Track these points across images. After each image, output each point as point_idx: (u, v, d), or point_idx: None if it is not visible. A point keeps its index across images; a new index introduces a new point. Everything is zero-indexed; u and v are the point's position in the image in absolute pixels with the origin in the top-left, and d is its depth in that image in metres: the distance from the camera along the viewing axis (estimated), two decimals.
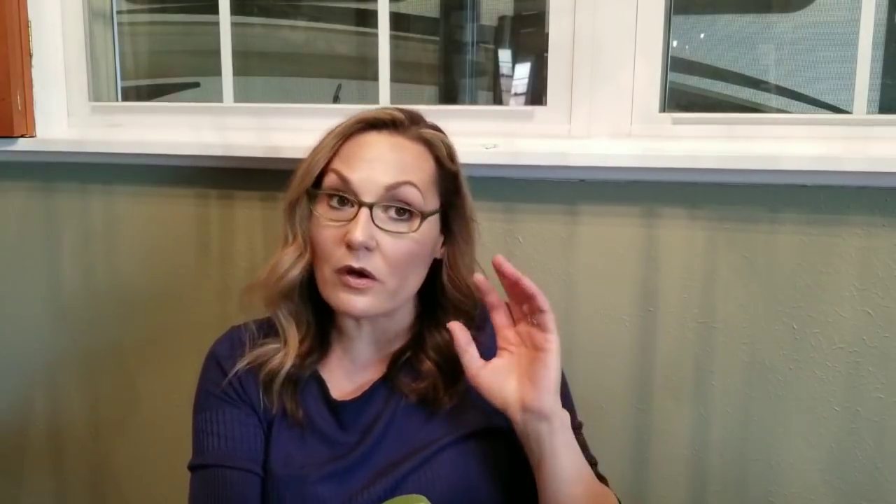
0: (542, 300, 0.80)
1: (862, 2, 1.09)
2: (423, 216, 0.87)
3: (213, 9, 1.36)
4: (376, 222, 0.85)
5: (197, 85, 1.70)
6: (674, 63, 1.24)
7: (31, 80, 1.41)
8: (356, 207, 0.85)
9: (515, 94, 1.59)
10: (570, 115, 1.20)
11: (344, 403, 0.91)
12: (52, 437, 1.52)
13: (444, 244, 0.94)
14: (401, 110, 0.92)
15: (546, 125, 1.21)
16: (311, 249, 0.89)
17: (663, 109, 1.18)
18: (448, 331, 0.89)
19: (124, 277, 1.43)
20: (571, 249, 1.19)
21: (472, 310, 0.95)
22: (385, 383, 0.92)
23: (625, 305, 1.18)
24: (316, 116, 1.33)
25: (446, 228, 0.93)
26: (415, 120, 0.92)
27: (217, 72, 1.38)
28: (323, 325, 0.94)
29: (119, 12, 1.55)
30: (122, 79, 1.57)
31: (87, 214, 1.43)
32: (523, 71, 1.61)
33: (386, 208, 0.86)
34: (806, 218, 1.10)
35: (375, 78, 1.30)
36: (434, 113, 1.27)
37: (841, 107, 1.27)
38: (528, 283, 0.80)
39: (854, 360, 1.10)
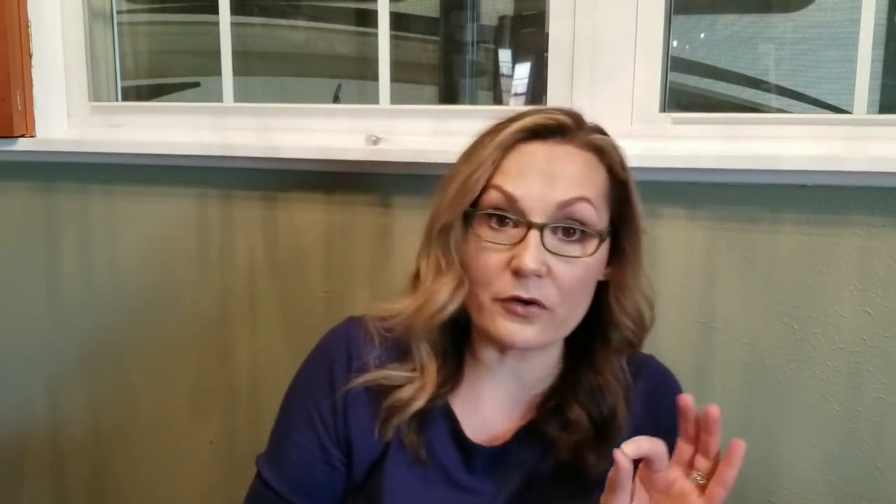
0: (741, 456, 0.70)
1: (862, 2, 1.09)
2: (601, 238, 0.78)
3: (213, 9, 1.36)
4: (547, 246, 0.75)
5: (197, 85, 1.70)
6: (674, 63, 1.24)
7: (31, 80, 1.41)
8: (524, 229, 0.75)
9: (515, 94, 1.59)
10: None
11: (480, 448, 0.81)
12: (51, 438, 1.52)
13: (609, 264, 0.82)
14: (565, 112, 0.80)
15: None
16: (470, 273, 0.78)
17: (663, 109, 1.18)
18: (601, 374, 0.80)
19: (124, 277, 1.43)
20: None
21: (639, 342, 0.86)
22: (530, 431, 0.82)
23: None
24: (316, 116, 1.34)
25: (615, 246, 0.82)
26: (579, 123, 0.81)
27: (217, 72, 1.38)
28: (458, 349, 0.84)
29: (119, 12, 1.55)
30: (122, 79, 1.57)
31: (87, 214, 1.43)
32: (523, 71, 1.61)
33: (555, 229, 0.76)
34: (806, 218, 1.10)
35: (375, 78, 1.29)
36: (434, 113, 1.28)
37: (841, 107, 1.26)
38: (739, 447, 0.71)
39: (854, 360, 1.10)
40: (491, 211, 0.77)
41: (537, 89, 1.47)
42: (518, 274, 0.74)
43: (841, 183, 1.07)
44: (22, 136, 1.39)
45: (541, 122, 0.78)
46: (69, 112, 1.46)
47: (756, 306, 1.13)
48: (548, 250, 0.75)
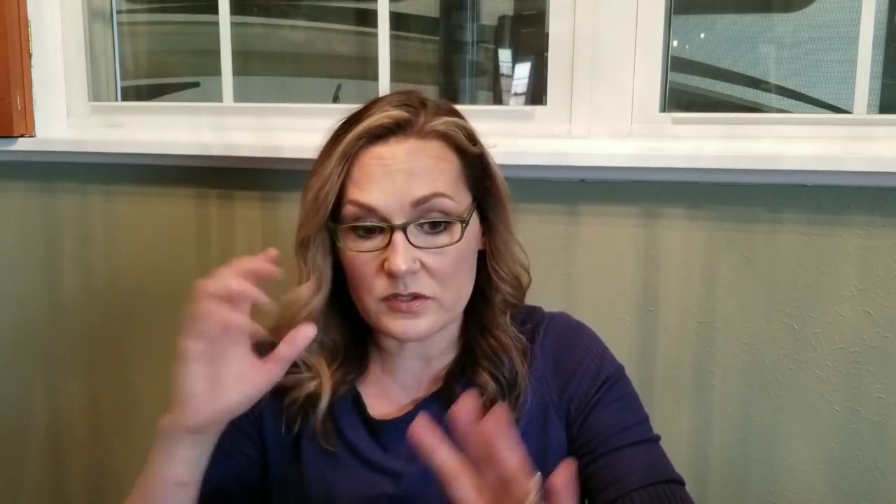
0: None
1: (862, 2, 1.09)
2: (463, 223, 0.79)
3: (213, 9, 1.36)
4: (413, 242, 0.76)
5: (197, 85, 1.70)
6: (674, 63, 1.24)
7: (30, 80, 1.41)
8: (388, 232, 0.77)
9: (515, 94, 1.59)
10: (570, 115, 1.20)
11: (384, 423, 0.83)
12: (51, 436, 1.52)
13: (483, 233, 0.85)
14: (400, 105, 0.80)
15: (546, 125, 1.21)
16: (349, 280, 0.81)
17: (663, 109, 1.18)
18: (493, 336, 0.83)
19: (124, 277, 1.43)
20: (571, 249, 1.19)
21: (520, 302, 0.89)
22: (434, 402, 0.83)
23: (625, 305, 1.18)
24: (316, 116, 1.33)
25: (483, 218, 0.84)
26: (417, 111, 0.80)
27: (217, 72, 1.38)
28: (360, 341, 0.87)
29: (119, 12, 1.55)
30: (122, 79, 1.57)
31: (87, 214, 1.43)
32: (523, 71, 1.61)
33: (420, 225, 0.77)
34: (806, 218, 1.10)
35: (375, 78, 1.30)
36: None
37: (841, 107, 1.26)
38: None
39: (854, 360, 1.10)
40: (353, 225, 0.78)
41: (537, 89, 1.47)
42: (392, 276, 0.76)
43: (841, 183, 1.07)
44: (22, 136, 1.39)
45: (379, 122, 0.78)
46: (69, 112, 1.46)
47: (756, 306, 1.13)
48: (416, 246, 0.76)
